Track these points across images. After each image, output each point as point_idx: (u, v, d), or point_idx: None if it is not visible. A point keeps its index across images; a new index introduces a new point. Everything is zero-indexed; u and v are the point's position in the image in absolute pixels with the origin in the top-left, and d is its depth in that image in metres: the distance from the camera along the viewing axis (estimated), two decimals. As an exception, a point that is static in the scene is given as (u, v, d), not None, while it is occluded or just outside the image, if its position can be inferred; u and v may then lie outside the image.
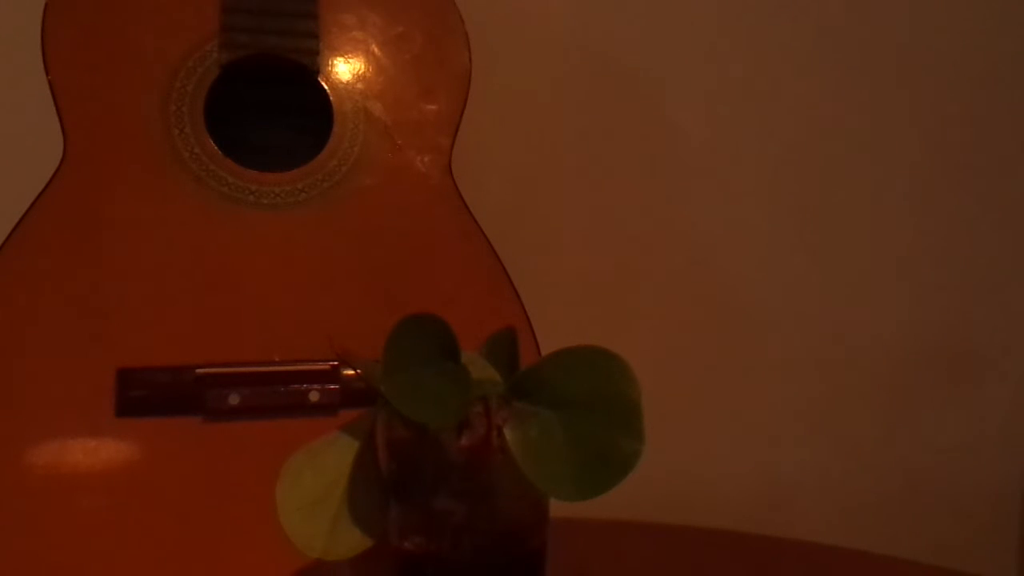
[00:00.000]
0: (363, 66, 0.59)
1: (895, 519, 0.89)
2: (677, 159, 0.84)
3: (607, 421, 0.34)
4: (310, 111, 0.59)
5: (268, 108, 0.63)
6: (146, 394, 0.49)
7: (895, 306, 0.88)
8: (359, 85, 0.59)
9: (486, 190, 0.62)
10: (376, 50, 0.60)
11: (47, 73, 0.54)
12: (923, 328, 0.89)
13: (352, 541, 0.37)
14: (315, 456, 0.38)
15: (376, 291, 0.55)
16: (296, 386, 0.51)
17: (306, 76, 0.58)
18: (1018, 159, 0.90)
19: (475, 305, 0.56)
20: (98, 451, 0.48)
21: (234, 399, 0.50)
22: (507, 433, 0.34)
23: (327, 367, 0.52)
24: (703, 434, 0.85)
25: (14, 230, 0.51)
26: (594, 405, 0.35)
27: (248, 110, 0.61)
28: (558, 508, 0.37)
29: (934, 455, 0.89)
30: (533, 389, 0.35)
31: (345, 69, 0.59)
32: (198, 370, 0.50)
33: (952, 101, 0.88)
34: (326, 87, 0.58)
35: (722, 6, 0.84)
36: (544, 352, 0.48)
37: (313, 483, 0.37)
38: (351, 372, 0.52)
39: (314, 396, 0.51)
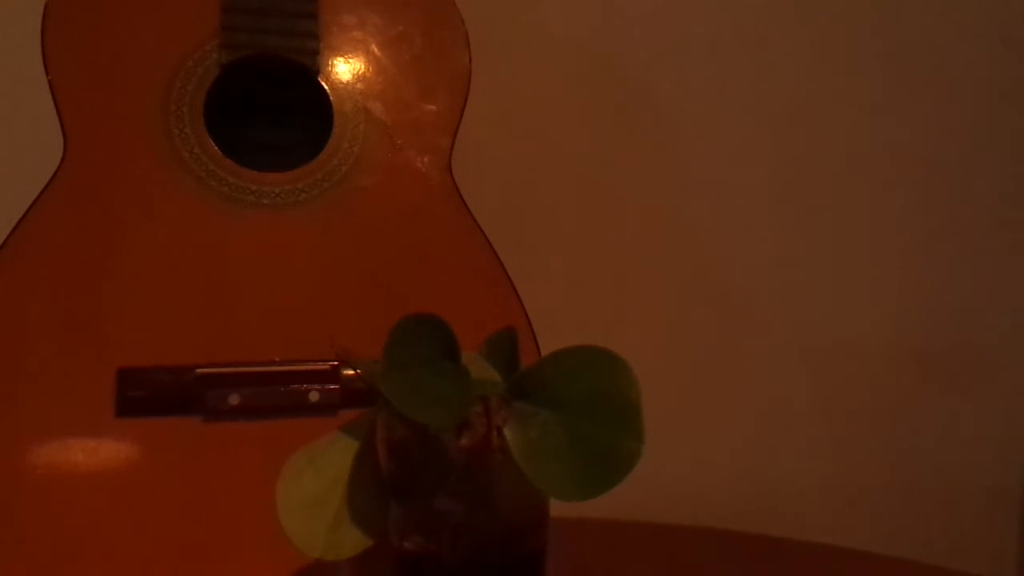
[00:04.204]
0: (363, 66, 0.59)
1: (894, 519, 0.89)
2: (677, 159, 0.84)
3: (607, 421, 0.34)
4: (310, 111, 0.59)
5: (268, 108, 0.63)
6: (146, 394, 0.49)
7: (895, 306, 0.88)
8: (359, 85, 0.59)
9: (486, 190, 0.62)
10: (376, 50, 0.60)
11: (47, 73, 0.54)
12: (923, 328, 0.89)
13: (352, 541, 0.37)
14: (315, 456, 0.38)
15: (376, 291, 0.55)
16: (296, 386, 0.51)
17: (306, 76, 0.58)
18: (1018, 158, 0.90)
19: (475, 305, 0.56)
20: (98, 451, 0.48)
21: (234, 399, 0.50)
22: (507, 433, 0.34)
23: (327, 367, 0.52)
24: (703, 434, 0.85)
25: (14, 230, 0.51)
26: (594, 405, 0.34)
27: (248, 110, 0.61)
28: (558, 508, 0.37)
29: (933, 455, 0.89)
30: (533, 389, 0.35)
31: (345, 69, 0.59)
32: (198, 370, 0.50)
33: (952, 99, 0.88)
34: (326, 87, 0.58)
35: (723, 7, 0.84)
36: (544, 352, 0.48)
37: (313, 483, 0.37)
38: (351, 372, 0.52)
39: (314, 396, 0.51)
